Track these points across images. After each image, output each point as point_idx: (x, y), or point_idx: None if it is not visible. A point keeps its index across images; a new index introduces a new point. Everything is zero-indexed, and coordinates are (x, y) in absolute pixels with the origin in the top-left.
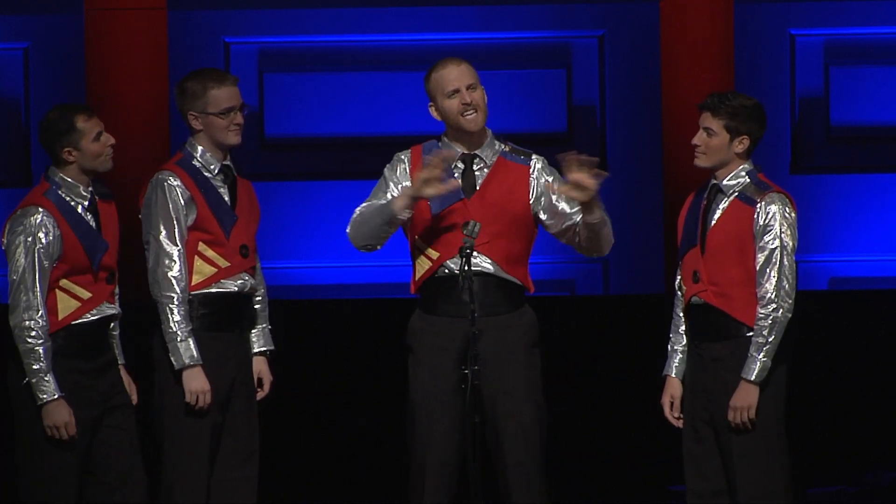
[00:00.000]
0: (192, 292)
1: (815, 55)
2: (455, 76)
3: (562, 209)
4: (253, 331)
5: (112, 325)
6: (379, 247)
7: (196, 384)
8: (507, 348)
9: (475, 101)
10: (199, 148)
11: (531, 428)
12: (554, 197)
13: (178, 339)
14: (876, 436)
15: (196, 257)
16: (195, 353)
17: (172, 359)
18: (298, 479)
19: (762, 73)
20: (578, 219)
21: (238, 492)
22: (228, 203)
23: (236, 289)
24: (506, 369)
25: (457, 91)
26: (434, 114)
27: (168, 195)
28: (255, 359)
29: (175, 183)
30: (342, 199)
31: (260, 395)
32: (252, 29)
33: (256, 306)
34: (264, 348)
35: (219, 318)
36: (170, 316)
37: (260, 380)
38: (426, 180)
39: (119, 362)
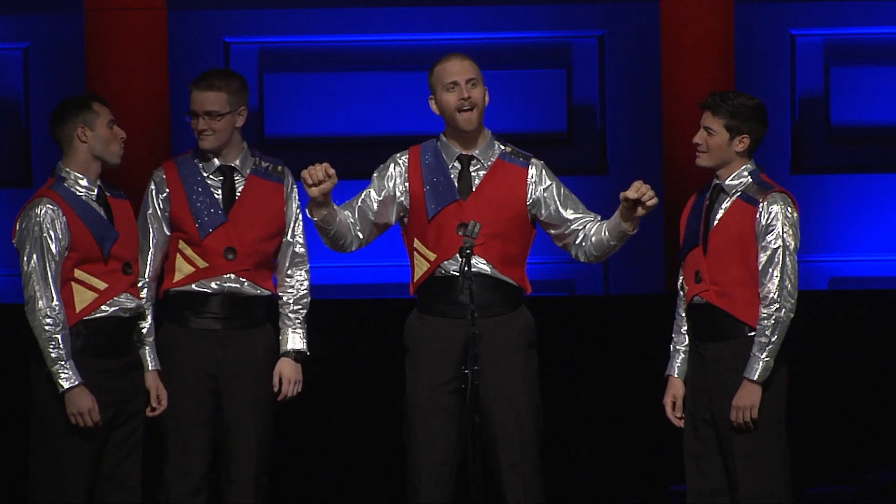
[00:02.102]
0: (174, 289)
1: (815, 55)
2: (456, 70)
3: (567, 216)
4: (283, 332)
5: (142, 328)
6: (346, 248)
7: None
8: (504, 349)
9: (473, 97)
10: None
11: (527, 429)
12: (559, 207)
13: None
14: (876, 436)
15: (177, 255)
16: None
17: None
18: (298, 479)
19: (762, 73)
20: (580, 227)
21: (238, 494)
22: (220, 204)
23: (213, 290)
24: (502, 370)
25: (455, 84)
26: (433, 107)
27: (148, 194)
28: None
29: (158, 181)
30: (342, 198)
31: (280, 396)
32: (252, 29)
33: (282, 310)
34: (283, 351)
35: (196, 316)
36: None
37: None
38: (305, 182)
39: (150, 368)
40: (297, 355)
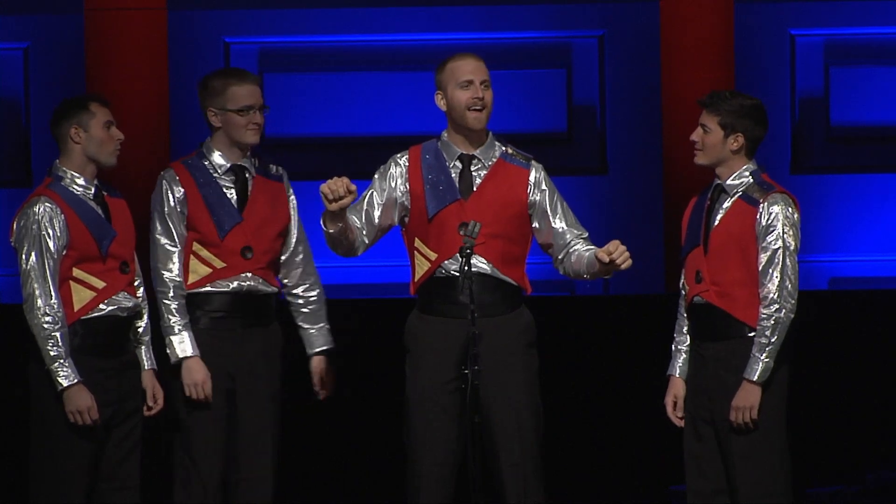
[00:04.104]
0: (189, 290)
1: (815, 55)
2: (472, 69)
3: (556, 228)
4: (311, 330)
5: (139, 327)
6: (353, 253)
7: (190, 376)
8: (504, 349)
9: (486, 98)
10: (212, 147)
11: (527, 429)
12: (549, 214)
13: (174, 331)
14: (876, 436)
15: (192, 257)
16: (189, 344)
17: (168, 351)
18: (298, 479)
19: (762, 73)
20: (566, 242)
21: (250, 492)
22: (235, 204)
23: (230, 289)
24: (502, 370)
25: (470, 83)
26: (440, 103)
27: (163, 193)
28: (314, 358)
29: (171, 181)
30: None
31: (322, 394)
32: (252, 29)
33: (305, 308)
34: (320, 348)
35: (214, 317)
36: (164, 311)
37: (321, 379)
38: (325, 198)
39: (146, 367)
40: (329, 351)
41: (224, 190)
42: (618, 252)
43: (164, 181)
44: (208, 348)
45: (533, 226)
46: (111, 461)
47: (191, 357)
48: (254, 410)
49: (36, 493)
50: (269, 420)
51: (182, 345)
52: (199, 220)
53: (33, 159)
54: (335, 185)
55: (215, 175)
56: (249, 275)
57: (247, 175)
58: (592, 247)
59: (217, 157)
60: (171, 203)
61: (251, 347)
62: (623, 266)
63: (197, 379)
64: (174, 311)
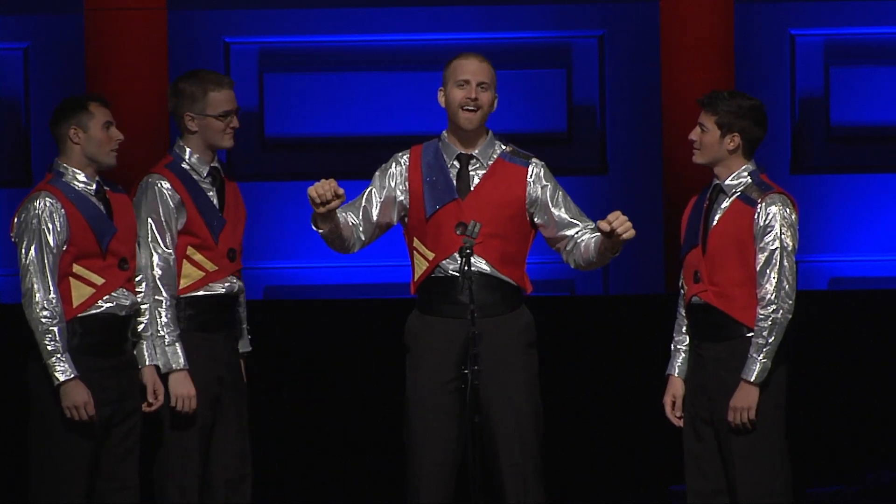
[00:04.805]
0: (180, 296)
1: (815, 55)
2: (471, 69)
3: (558, 219)
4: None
5: (139, 323)
6: (349, 250)
7: (182, 389)
8: (504, 349)
9: (480, 100)
10: (188, 150)
11: (527, 429)
12: (552, 208)
13: (166, 342)
14: (876, 436)
15: (184, 261)
16: (182, 357)
17: (159, 362)
18: (297, 479)
19: (762, 73)
20: (572, 233)
21: (235, 492)
22: (217, 206)
23: (223, 291)
24: (502, 370)
25: (466, 83)
26: (441, 99)
27: (158, 199)
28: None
29: (165, 186)
30: None
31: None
32: (252, 29)
33: (240, 308)
34: (242, 350)
35: (206, 320)
36: (158, 319)
37: None
38: (313, 202)
39: (147, 363)
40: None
41: (209, 194)
42: (618, 221)
43: (157, 188)
44: (204, 354)
45: (537, 222)
46: (111, 461)
47: (182, 370)
48: (239, 411)
49: (35, 493)
50: (247, 419)
51: (175, 356)
52: (196, 224)
53: (33, 159)
54: (322, 189)
55: (197, 178)
56: (233, 278)
57: (222, 176)
58: (598, 233)
59: (195, 161)
60: (168, 209)
61: (233, 349)
62: (625, 236)
63: (190, 392)
64: (171, 321)
